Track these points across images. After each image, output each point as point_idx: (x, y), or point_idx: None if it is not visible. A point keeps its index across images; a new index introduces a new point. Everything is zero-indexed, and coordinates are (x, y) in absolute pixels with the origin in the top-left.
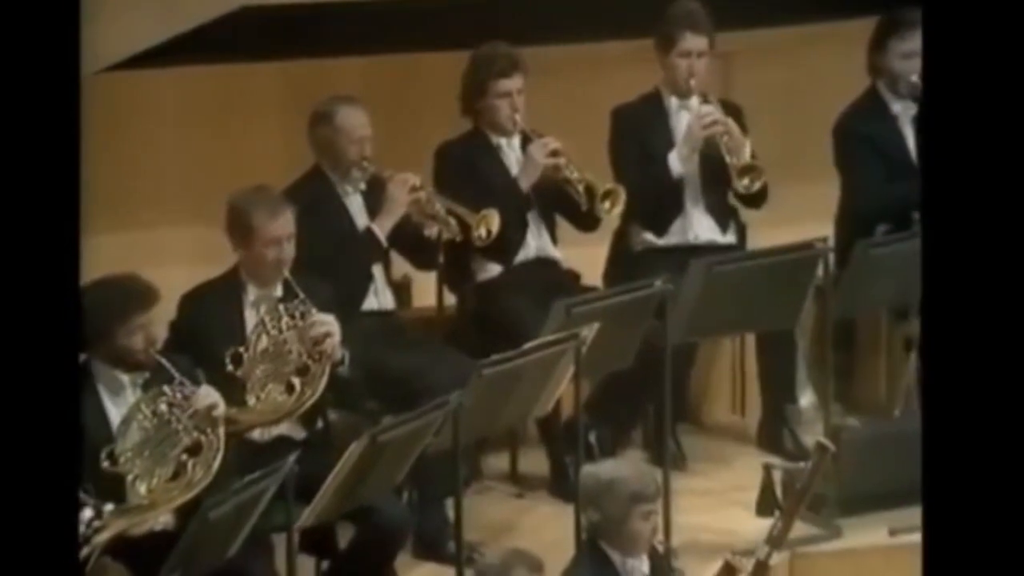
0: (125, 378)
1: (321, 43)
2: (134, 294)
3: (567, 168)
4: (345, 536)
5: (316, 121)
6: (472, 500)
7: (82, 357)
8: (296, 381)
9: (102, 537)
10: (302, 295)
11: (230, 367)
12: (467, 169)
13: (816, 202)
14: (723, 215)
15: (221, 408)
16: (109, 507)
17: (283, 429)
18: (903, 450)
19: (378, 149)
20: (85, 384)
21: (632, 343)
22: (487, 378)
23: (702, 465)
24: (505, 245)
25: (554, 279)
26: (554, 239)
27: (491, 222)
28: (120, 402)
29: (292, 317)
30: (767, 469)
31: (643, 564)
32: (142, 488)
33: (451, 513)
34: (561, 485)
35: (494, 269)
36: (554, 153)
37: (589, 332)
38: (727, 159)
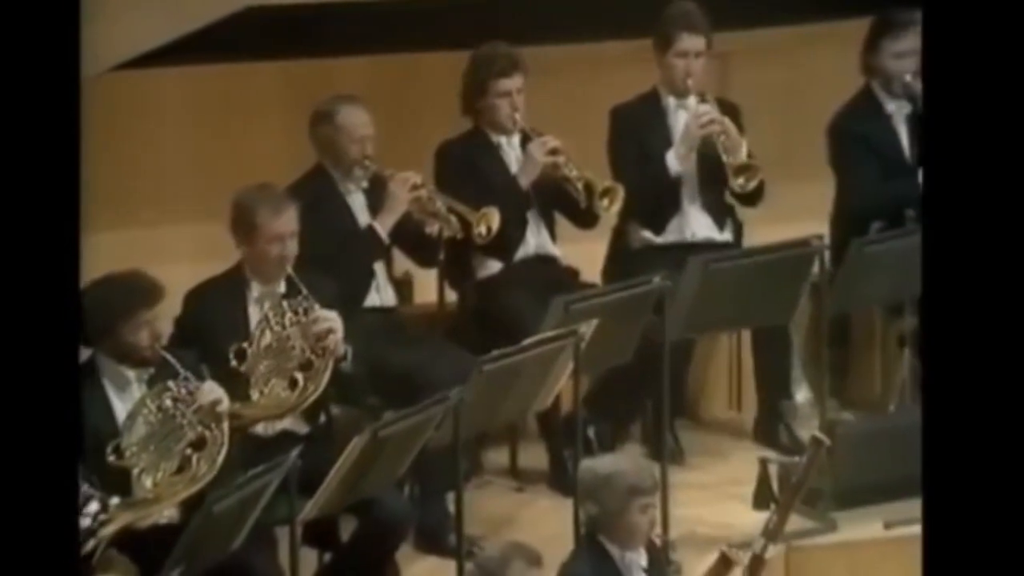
0: (131, 373)
1: (323, 43)
2: (139, 290)
3: (566, 166)
4: (347, 529)
5: (318, 120)
6: (472, 494)
7: (88, 353)
8: (299, 376)
9: (108, 530)
10: (305, 291)
11: (234, 363)
12: (467, 167)
13: (812, 200)
14: (720, 213)
15: (225, 403)
16: (115, 500)
17: (286, 424)
18: (898, 444)
19: (379, 148)
20: (91, 379)
21: (630, 339)
22: (487, 374)
23: (699, 459)
24: (505, 242)
25: (553, 276)
26: (553, 236)
27: (491, 220)
28: (126, 397)
29: (295, 313)
30: (763, 463)
31: (641, 557)
32: (147, 482)
33: (452, 507)
34: (560, 479)
35: (494, 266)
36: (553, 152)
37: (588, 328)
38: (724, 158)
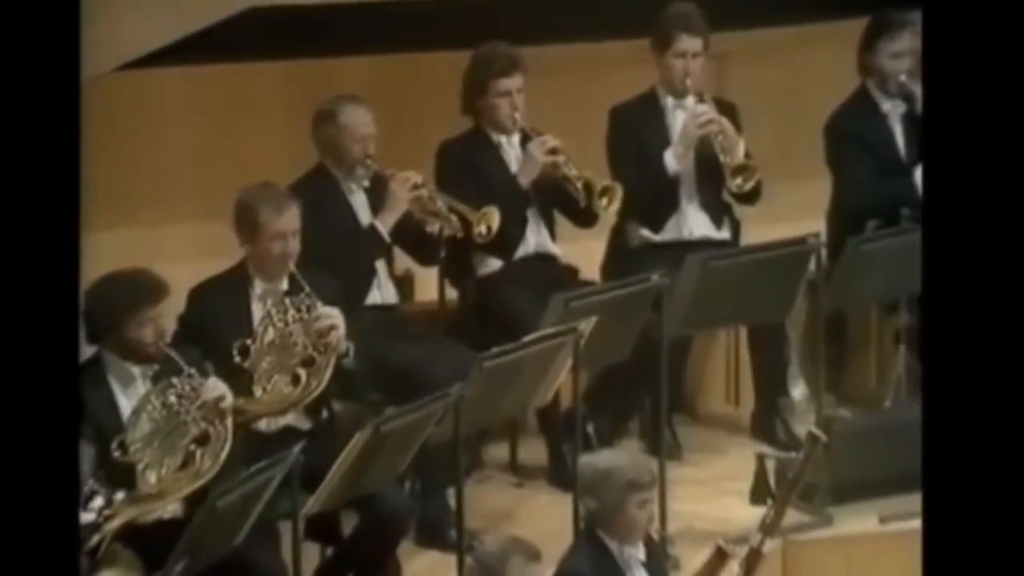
0: (136, 370)
1: (325, 44)
2: (144, 288)
3: (566, 165)
4: (349, 524)
5: (320, 120)
6: (473, 489)
7: (93, 350)
8: (302, 372)
9: (113, 524)
10: (308, 289)
11: (237, 359)
12: (468, 166)
13: (808, 199)
14: (718, 211)
15: (229, 399)
16: (120, 495)
17: (289, 419)
18: (893, 440)
19: (381, 147)
20: (96, 375)
21: (629, 336)
22: (487, 370)
23: (697, 455)
24: (505, 240)
25: (553, 274)
26: (553, 235)
27: (491, 219)
28: (131, 393)
29: (298, 310)
30: (760, 459)
31: (639, 551)
32: (152, 477)
33: (452, 501)
34: (560, 474)
35: (494, 264)
36: (553, 151)
37: (587, 325)
38: (721, 158)
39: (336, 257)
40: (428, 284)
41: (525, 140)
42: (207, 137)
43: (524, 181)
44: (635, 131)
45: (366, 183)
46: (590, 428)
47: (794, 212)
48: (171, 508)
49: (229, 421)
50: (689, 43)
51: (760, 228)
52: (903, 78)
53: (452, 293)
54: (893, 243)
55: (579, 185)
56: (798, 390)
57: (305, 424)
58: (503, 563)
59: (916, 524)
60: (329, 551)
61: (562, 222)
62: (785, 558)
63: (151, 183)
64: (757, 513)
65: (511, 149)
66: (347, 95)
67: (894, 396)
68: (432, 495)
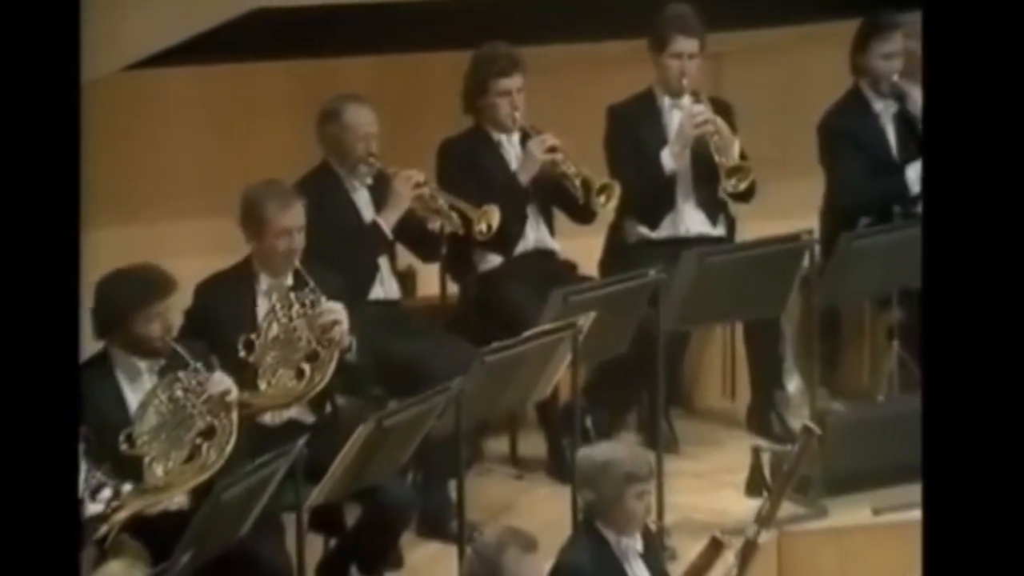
0: (142, 364)
1: (329, 44)
2: (152, 284)
3: (564, 163)
4: (352, 515)
5: (325, 119)
6: (473, 481)
7: (101, 344)
8: (306, 367)
9: (120, 516)
10: (312, 284)
11: (243, 353)
12: (469, 164)
13: (802, 196)
14: (713, 209)
15: (234, 393)
16: (127, 487)
17: (293, 413)
18: (886, 433)
19: (384, 145)
20: (104, 370)
21: (627, 331)
22: (488, 364)
23: (694, 448)
24: (505, 237)
25: (552, 269)
26: (552, 231)
27: (491, 217)
28: (137, 387)
29: (302, 305)
30: (756, 452)
31: (637, 542)
32: (158, 470)
33: (453, 493)
34: (559, 467)
35: (495, 260)
36: (552, 149)
37: (586, 320)
38: (716, 159)
39: (340, 253)
40: (430, 280)
41: (525, 138)
42: (212, 136)
43: (524, 179)
44: (632, 130)
45: (369, 181)
46: (589, 421)
47: (788, 209)
48: (177, 500)
49: (234, 415)
50: (685, 44)
51: (755, 225)
52: (895, 78)
53: (453, 288)
54: (885, 240)
55: (577, 183)
56: (793, 384)
57: (309, 418)
58: (500, 554)
59: (909, 515)
60: (332, 542)
61: (561, 219)
62: (780, 549)
63: (156, 182)
64: (753, 505)
65: (511, 147)
66: (351, 94)
67: (887, 390)
68: (433, 487)
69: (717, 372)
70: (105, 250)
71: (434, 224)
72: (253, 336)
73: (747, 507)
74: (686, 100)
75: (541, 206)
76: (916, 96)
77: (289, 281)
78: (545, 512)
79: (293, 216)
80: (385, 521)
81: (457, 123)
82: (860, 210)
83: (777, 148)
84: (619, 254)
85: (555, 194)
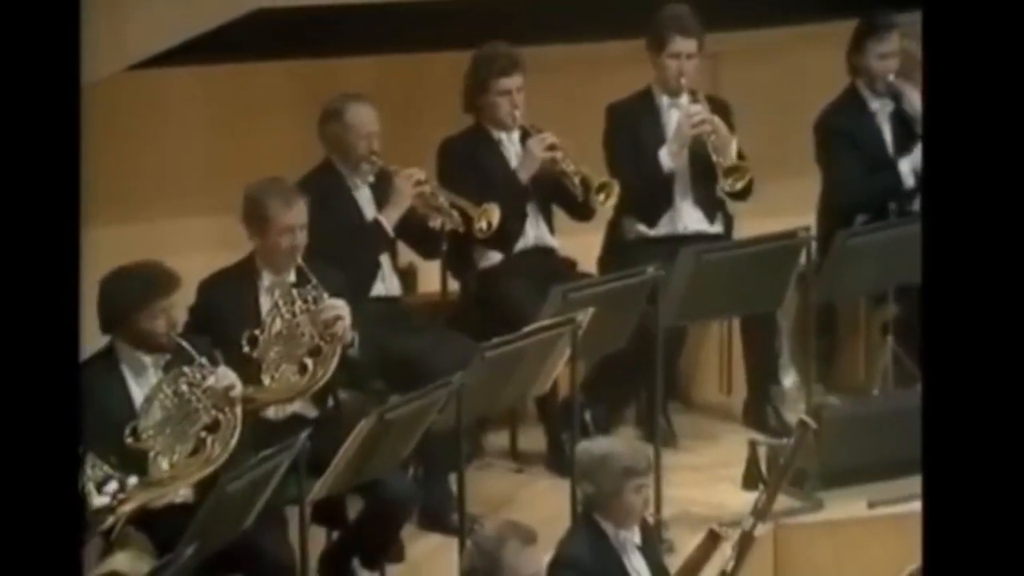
0: (148, 359)
1: (330, 44)
2: (157, 280)
3: (564, 162)
4: (354, 508)
5: (327, 118)
6: (474, 475)
7: (107, 340)
8: (308, 362)
9: (126, 508)
10: (314, 281)
11: (246, 349)
12: (469, 162)
13: (799, 194)
14: (711, 207)
15: (238, 388)
16: (133, 480)
17: (296, 407)
18: (881, 428)
19: (385, 144)
20: (109, 365)
21: (625, 327)
22: (488, 360)
23: (691, 442)
24: (505, 234)
25: (552, 266)
26: (551, 228)
27: (491, 215)
28: (143, 382)
29: (305, 301)
30: (752, 445)
31: (635, 535)
32: (164, 463)
33: (454, 487)
34: (558, 461)
35: (495, 257)
36: (552, 147)
37: (585, 316)
38: (714, 158)
39: (342, 250)
40: (431, 276)
41: (525, 137)
42: (214, 135)
43: (524, 176)
44: (631, 129)
45: (371, 179)
46: (588, 416)
47: (785, 207)
48: (182, 493)
49: (238, 409)
50: (683, 44)
51: (752, 222)
52: (891, 78)
53: (454, 285)
54: (881, 237)
55: (577, 180)
56: (789, 379)
57: (312, 412)
58: (500, 546)
59: (904, 508)
60: (335, 535)
61: (560, 216)
62: (776, 541)
63: (159, 181)
64: (749, 498)
65: (511, 146)
66: (353, 94)
67: (882, 385)
68: (434, 481)
69: (714, 367)
70: (109, 248)
71: (435, 222)
72: (257, 332)
73: (744, 500)
74: (684, 99)
75: (541, 204)
76: (912, 95)
77: (292, 278)
78: (544, 505)
79: (296, 214)
80: (387, 514)
81: (458, 122)
82: (856, 208)
83: (774, 147)
84: (618, 251)
85: (555, 192)
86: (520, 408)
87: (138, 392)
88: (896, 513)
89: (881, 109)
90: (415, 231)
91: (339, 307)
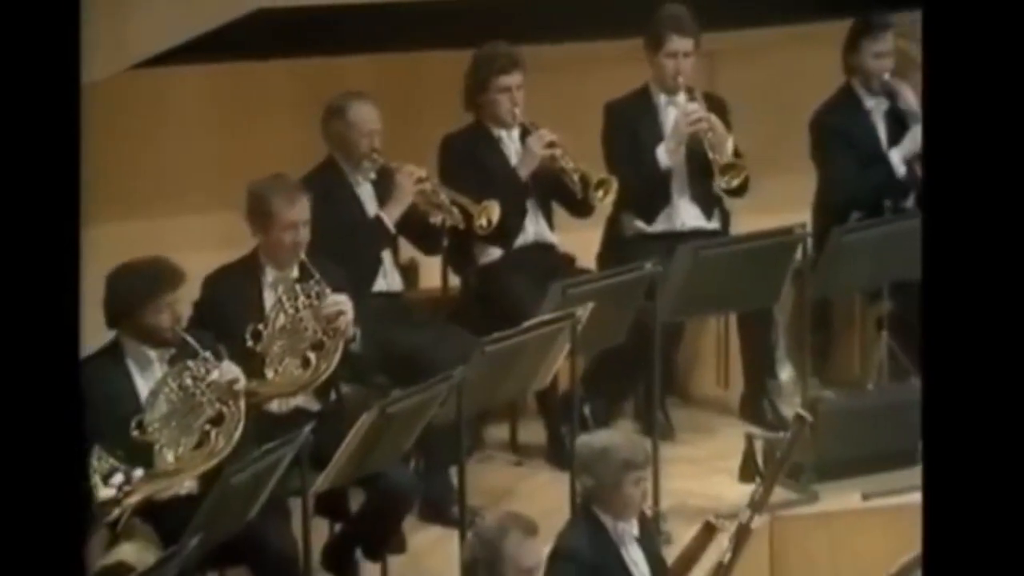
0: (153, 354)
1: (332, 43)
2: (162, 275)
3: (563, 159)
4: (356, 500)
5: (329, 116)
6: (474, 467)
7: (112, 334)
8: (311, 356)
9: (131, 500)
10: (317, 276)
11: (250, 343)
12: (469, 159)
13: (795, 191)
14: (708, 203)
15: (242, 382)
16: (139, 473)
17: (299, 401)
18: (876, 421)
19: (386, 142)
20: (115, 359)
21: (624, 322)
22: (489, 354)
23: (689, 435)
24: (505, 230)
25: (551, 262)
26: (551, 225)
27: (491, 213)
28: (148, 376)
29: (308, 297)
30: (749, 439)
31: (633, 527)
32: (169, 456)
33: (455, 479)
34: (558, 454)
35: (495, 253)
36: (551, 145)
37: (584, 311)
38: (710, 155)
39: (344, 247)
40: (432, 272)
41: (524, 134)
42: (216, 134)
43: (523, 173)
44: (629, 126)
45: (373, 176)
46: (587, 410)
47: (781, 204)
48: (187, 485)
49: (242, 402)
50: (680, 43)
51: (749, 219)
52: (886, 76)
53: (455, 281)
54: (876, 233)
55: (576, 177)
56: (785, 373)
57: (315, 406)
58: (501, 537)
59: (898, 500)
60: (337, 527)
61: (560, 213)
62: (772, 533)
63: (162, 179)
64: (746, 491)
65: (511, 143)
66: (355, 92)
67: (877, 379)
68: (435, 473)
69: (711, 362)
70: (112, 245)
71: (436, 218)
72: (260, 326)
73: (740, 493)
74: (681, 98)
75: (540, 200)
76: (907, 94)
77: (295, 273)
78: (544, 498)
79: (299, 210)
80: (388, 506)
81: (458, 120)
82: (851, 205)
83: (770, 144)
84: (616, 247)
85: (554, 189)
86: (520, 402)
87: (143, 386)
88: (890, 505)
89: (876, 107)
90: (416, 227)
91: (342, 302)
